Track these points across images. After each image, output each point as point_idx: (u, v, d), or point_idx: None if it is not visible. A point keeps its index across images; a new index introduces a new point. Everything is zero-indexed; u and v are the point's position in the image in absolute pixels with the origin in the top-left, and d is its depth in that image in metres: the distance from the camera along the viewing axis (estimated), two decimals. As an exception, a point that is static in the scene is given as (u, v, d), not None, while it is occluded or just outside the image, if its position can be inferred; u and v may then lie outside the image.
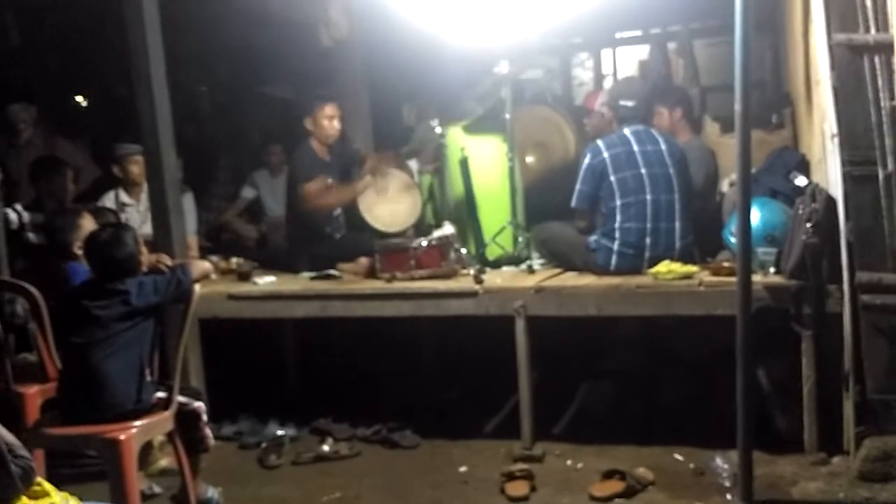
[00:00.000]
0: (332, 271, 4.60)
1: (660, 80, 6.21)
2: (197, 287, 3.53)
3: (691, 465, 3.76)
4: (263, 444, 4.30)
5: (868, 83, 3.42)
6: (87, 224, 4.02)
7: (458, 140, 4.74)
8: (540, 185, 4.93)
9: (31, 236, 4.74)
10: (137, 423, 3.21)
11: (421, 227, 4.82)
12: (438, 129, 4.74)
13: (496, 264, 4.56)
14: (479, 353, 4.64)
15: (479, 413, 4.44)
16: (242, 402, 4.63)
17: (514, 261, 4.57)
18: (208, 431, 3.55)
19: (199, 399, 3.57)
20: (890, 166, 3.38)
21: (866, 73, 3.42)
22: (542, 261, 4.50)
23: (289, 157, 5.53)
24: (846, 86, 3.45)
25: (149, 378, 3.33)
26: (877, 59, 3.40)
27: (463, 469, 3.92)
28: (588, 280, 4.12)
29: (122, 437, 3.13)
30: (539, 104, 5.54)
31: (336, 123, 4.89)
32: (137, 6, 4.16)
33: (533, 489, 3.62)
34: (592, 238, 4.23)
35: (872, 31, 3.39)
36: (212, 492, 3.62)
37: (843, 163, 3.47)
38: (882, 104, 3.39)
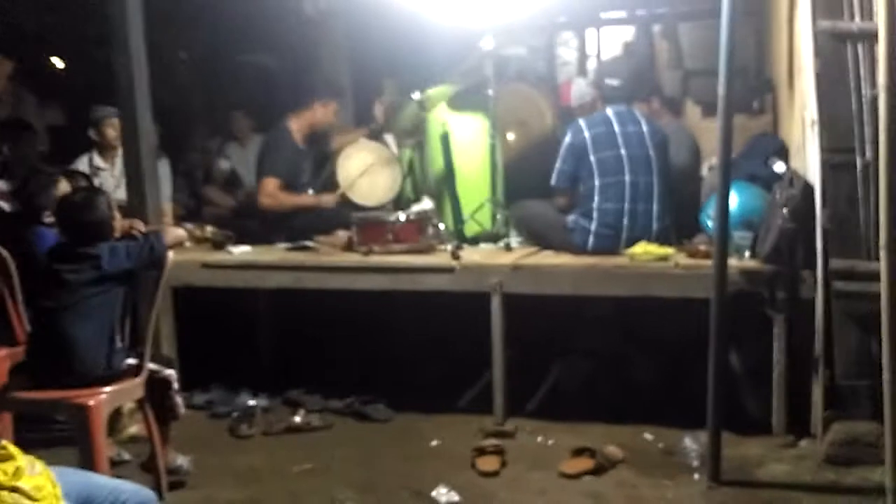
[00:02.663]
0: (308, 242, 4.57)
1: (644, 61, 6.19)
2: (170, 254, 3.49)
3: (661, 445, 3.79)
4: (235, 414, 4.29)
5: (850, 71, 3.43)
6: (63, 189, 3.96)
7: (439, 115, 4.71)
8: (520, 162, 4.92)
9: (3, 204, 4.65)
10: (107, 389, 3.18)
11: (400, 202, 4.80)
12: (419, 101, 4.69)
13: (474, 241, 4.56)
14: (454, 328, 4.63)
15: (452, 388, 4.45)
16: (214, 372, 4.60)
17: (492, 238, 4.57)
18: (179, 400, 3.53)
19: (170, 367, 3.55)
20: (868, 155, 3.40)
21: (849, 61, 3.43)
22: (519, 239, 4.50)
23: (259, 124, 5.49)
24: (829, 73, 3.45)
25: (119, 344, 3.30)
26: (860, 48, 3.41)
27: (434, 443, 3.93)
28: (565, 259, 4.13)
29: (91, 402, 3.10)
30: (522, 82, 5.51)
31: (335, 119, 5.00)
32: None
33: (504, 465, 3.64)
34: (570, 218, 4.24)
35: (857, 18, 3.40)
36: (182, 460, 3.60)
37: (823, 150, 3.48)
38: (863, 93, 3.41)
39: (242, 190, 5.77)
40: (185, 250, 4.43)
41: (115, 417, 3.71)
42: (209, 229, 4.87)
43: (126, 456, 3.76)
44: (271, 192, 4.75)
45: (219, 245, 4.68)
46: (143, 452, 3.60)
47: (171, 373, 3.50)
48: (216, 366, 4.64)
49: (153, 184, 4.34)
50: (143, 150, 4.25)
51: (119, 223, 3.40)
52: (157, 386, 3.41)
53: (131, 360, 3.35)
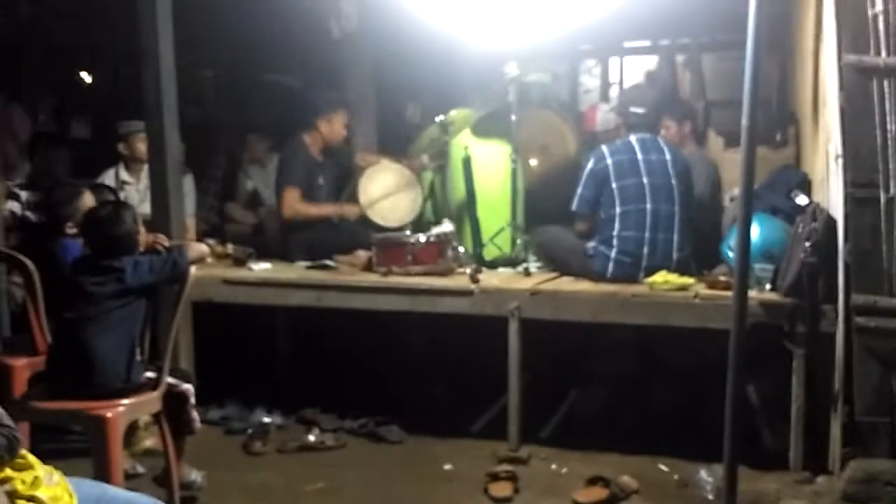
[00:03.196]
0: (328, 261, 4.59)
1: (667, 91, 6.21)
2: (192, 269, 3.51)
3: (676, 477, 3.76)
4: (249, 431, 4.29)
5: (876, 106, 3.43)
6: (87, 201, 4.01)
7: (462, 139, 4.74)
8: (541, 188, 4.93)
9: (30, 215, 4.72)
10: (125, 401, 3.19)
11: (420, 224, 4.82)
12: (442, 123, 4.72)
13: (493, 265, 4.57)
14: (470, 352, 4.63)
15: (466, 412, 4.44)
16: (231, 388, 4.62)
17: (511, 262, 4.57)
18: (195, 414, 3.54)
19: (188, 381, 3.56)
20: (892, 190, 3.39)
21: (874, 96, 3.43)
22: (538, 264, 4.50)
23: (278, 143, 5.55)
24: (854, 107, 3.45)
25: (139, 357, 3.32)
26: (886, 83, 3.41)
27: (447, 467, 3.91)
28: (584, 286, 4.12)
29: (109, 414, 3.12)
30: (544, 108, 5.54)
31: (345, 132, 5.03)
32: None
33: (516, 491, 3.62)
34: (590, 244, 4.23)
35: (883, 53, 3.40)
36: (195, 475, 3.61)
37: (846, 184, 3.47)
38: (889, 127, 3.40)
39: (264, 208, 5.82)
40: (206, 266, 4.45)
41: (131, 430, 3.73)
42: (230, 246, 4.90)
43: (140, 469, 3.78)
44: (292, 203, 4.79)
45: (240, 261, 4.71)
46: (157, 466, 3.61)
47: (188, 387, 3.51)
48: (232, 382, 4.66)
49: (178, 199, 4.39)
50: (168, 165, 4.31)
51: (143, 237, 3.44)
52: (174, 400, 3.43)
53: (150, 374, 3.37)
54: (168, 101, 4.27)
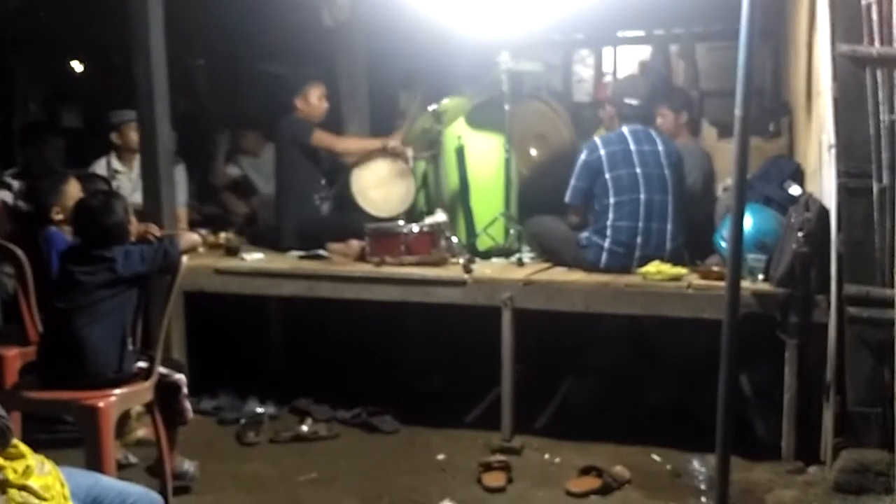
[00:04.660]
0: (320, 251, 4.58)
1: (660, 81, 6.20)
2: (184, 259, 3.50)
3: (668, 467, 3.77)
4: (242, 421, 4.29)
5: (869, 96, 3.42)
6: (72, 190, 3.98)
7: (455, 129, 4.73)
8: (534, 178, 4.92)
9: (21, 204, 4.69)
10: (117, 391, 3.18)
11: (413, 214, 4.81)
12: (435, 112, 4.70)
13: (486, 255, 4.56)
14: (463, 342, 4.63)
15: (460, 402, 4.44)
16: (223, 378, 4.61)
17: (505, 252, 4.56)
18: (187, 404, 3.53)
19: (180, 371, 3.55)
20: (885, 180, 3.39)
21: (868, 86, 3.42)
22: (532, 254, 4.50)
23: (271, 133, 5.53)
24: (847, 97, 3.45)
25: (131, 347, 3.31)
26: (879, 73, 3.40)
27: (441, 457, 3.92)
28: (577, 276, 4.12)
29: (101, 404, 3.11)
30: (537, 98, 5.53)
31: (324, 103, 4.95)
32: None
33: (510, 481, 3.62)
34: (583, 235, 4.23)
35: (877, 43, 3.40)
36: (188, 465, 3.60)
37: (839, 174, 3.47)
38: (881, 118, 3.40)
39: (257, 197, 5.80)
40: (198, 255, 4.44)
41: (123, 420, 3.72)
42: (223, 235, 4.89)
43: (133, 459, 3.77)
44: (329, 139, 4.82)
45: (232, 251, 4.70)
46: (149, 456, 3.60)
47: (180, 377, 3.50)
48: (225, 372, 4.65)
49: (169, 188, 4.37)
50: (160, 154, 4.29)
51: (135, 227, 3.42)
52: (166, 390, 3.42)
53: (142, 364, 3.36)
54: (159, 90, 4.25)
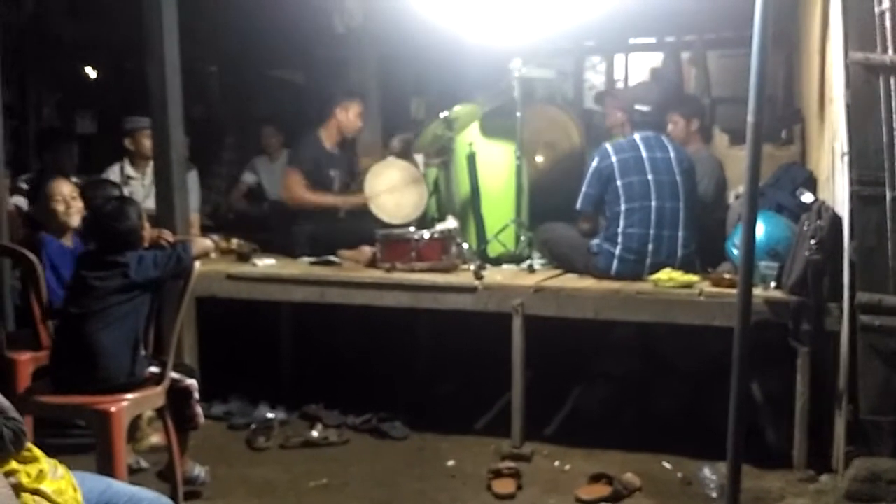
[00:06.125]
0: (331, 257, 4.60)
1: (672, 88, 6.20)
2: (196, 265, 3.52)
3: (679, 475, 3.76)
4: (253, 426, 4.30)
5: (882, 104, 3.41)
6: (59, 190, 3.95)
7: (466, 135, 4.73)
8: (546, 184, 4.92)
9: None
10: (129, 396, 3.20)
11: (424, 220, 4.81)
12: (447, 118, 4.71)
13: (497, 261, 4.56)
14: (474, 349, 4.63)
15: (470, 409, 4.44)
16: (234, 383, 4.62)
17: (516, 259, 4.56)
18: (199, 409, 3.54)
19: (191, 377, 3.56)
20: (898, 188, 3.38)
21: (881, 94, 3.41)
22: (543, 261, 4.50)
23: (287, 139, 5.56)
24: (860, 105, 3.44)
25: (143, 352, 3.33)
26: (892, 80, 3.40)
27: (451, 463, 3.92)
28: (588, 283, 4.11)
29: (113, 409, 3.12)
30: (549, 105, 5.53)
31: (360, 122, 5.03)
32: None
33: (519, 488, 3.62)
34: (595, 241, 4.23)
35: (890, 51, 3.39)
36: (199, 470, 3.61)
37: (852, 182, 3.46)
38: (894, 126, 3.39)
39: (268, 202, 5.82)
40: (210, 261, 4.46)
41: (135, 425, 3.74)
42: (234, 241, 4.91)
43: (144, 464, 3.78)
44: (292, 186, 4.82)
45: (244, 257, 4.71)
46: (160, 461, 3.62)
47: (192, 382, 3.52)
48: (236, 377, 4.66)
49: (182, 194, 4.39)
50: (173, 160, 4.31)
51: (148, 232, 3.44)
52: (177, 395, 3.43)
53: (154, 369, 3.38)
54: (172, 97, 4.27)
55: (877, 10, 3.42)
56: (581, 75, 7.16)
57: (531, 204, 4.74)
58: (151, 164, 4.72)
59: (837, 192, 3.64)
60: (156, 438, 3.86)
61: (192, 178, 5.08)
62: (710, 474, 3.63)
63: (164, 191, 4.34)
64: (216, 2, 5.78)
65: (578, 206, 4.29)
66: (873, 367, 3.44)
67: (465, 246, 4.48)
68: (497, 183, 4.67)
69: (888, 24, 3.39)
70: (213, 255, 4.54)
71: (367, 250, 4.53)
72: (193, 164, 5.16)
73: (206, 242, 4.09)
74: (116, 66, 6.98)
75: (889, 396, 3.40)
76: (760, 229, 3.63)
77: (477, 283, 4.10)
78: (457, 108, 4.60)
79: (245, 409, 4.50)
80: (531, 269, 4.34)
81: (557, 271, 4.34)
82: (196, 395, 3.52)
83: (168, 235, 3.57)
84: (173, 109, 4.28)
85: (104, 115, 6.77)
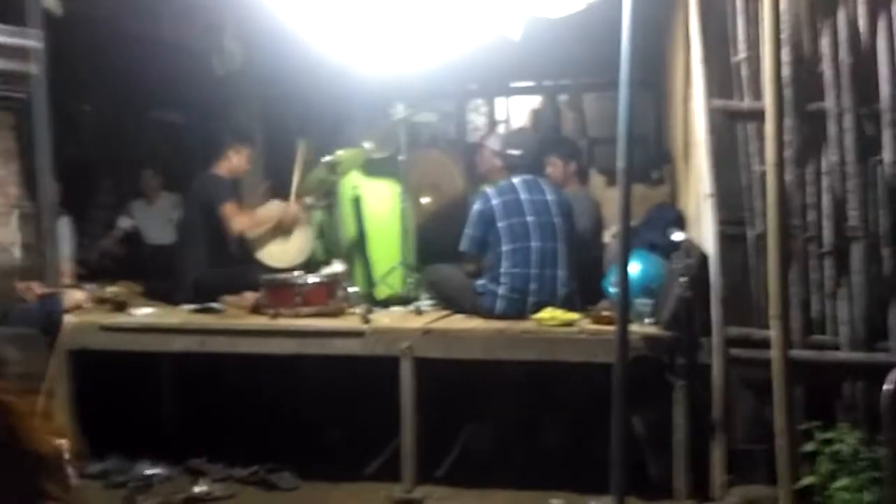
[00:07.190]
0: (214, 304, 4.48)
1: (550, 130, 6.40)
2: (67, 318, 3.36)
3: (568, 510, 3.82)
4: (131, 484, 4.11)
5: (741, 148, 3.63)
6: None
7: (350, 179, 4.74)
8: (431, 227, 4.96)
9: None
10: (-7, 462, 3.00)
11: (310, 264, 4.77)
12: (330, 163, 4.71)
13: (385, 304, 4.56)
14: (363, 393, 4.59)
15: (360, 455, 4.38)
16: (112, 440, 4.40)
17: (403, 301, 4.57)
18: (70, 470, 3.35)
19: (61, 436, 3.37)
20: (759, 227, 3.58)
21: (740, 139, 3.63)
22: (431, 302, 4.52)
23: (167, 182, 5.44)
24: (722, 149, 3.65)
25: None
26: (749, 127, 3.62)
27: (342, 512, 3.85)
28: (475, 323, 4.16)
29: None
30: (433, 147, 5.61)
31: (247, 166, 5.12)
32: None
33: (411, 533, 3.59)
34: (480, 282, 4.29)
35: (747, 98, 3.61)
36: (72, 535, 3.41)
37: (717, 222, 3.65)
38: (753, 168, 3.61)
39: (147, 247, 5.64)
40: (84, 311, 4.27)
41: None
42: (109, 289, 4.72)
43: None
44: (233, 218, 4.77)
45: (120, 306, 4.53)
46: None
47: (62, 443, 3.33)
48: (115, 432, 4.44)
49: (52, 243, 4.19)
50: (42, 209, 4.11)
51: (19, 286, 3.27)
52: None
53: (21, 431, 3.18)
54: (41, 144, 4.08)
55: (733, 59, 3.65)
56: (464, 116, 7.30)
57: (418, 246, 4.77)
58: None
59: (705, 231, 3.83)
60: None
61: (64, 225, 4.87)
62: (597, 507, 3.71)
63: (33, 239, 4.14)
64: (91, 42, 5.60)
65: (462, 247, 4.35)
66: (744, 397, 3.61)
67: (352, 289, 4.46)
68: (383, 226, 4.69)
69: (744, 73, 3.62)
70: (85, 305, 4.35)
71: (249, 296, 4.44)
72: (64, 209, 4.95)
73: (77, 294, 3.91)
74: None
75: (761, 426, 3.57)
76: (635, 268, 3.77)
77: (364, 326, 4.08)
78: (340, 153, 4.61)
79: (123, 465, 4.28)
80: (419, 311, 4.35)
81: (445, 312, 4.37)
82: (66, 456, 3.33)
83: (37, 288, 3.41)
84: (41, 155, 4.10)
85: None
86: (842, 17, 3.55)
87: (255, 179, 5.58)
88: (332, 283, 4.35)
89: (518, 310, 4.17)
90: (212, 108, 6.15)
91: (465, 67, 5.34)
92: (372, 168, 4.80)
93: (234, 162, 4.93)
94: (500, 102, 7.21)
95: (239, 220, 4.81)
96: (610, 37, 3.23)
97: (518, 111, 7.10)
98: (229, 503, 4.00)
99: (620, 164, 3.23)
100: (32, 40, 3.99)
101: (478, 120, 7.35)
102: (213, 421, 4.72)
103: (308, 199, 5.09)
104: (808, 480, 3.40)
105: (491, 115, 7.19)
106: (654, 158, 5.54)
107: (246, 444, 4.44)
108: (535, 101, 6.95)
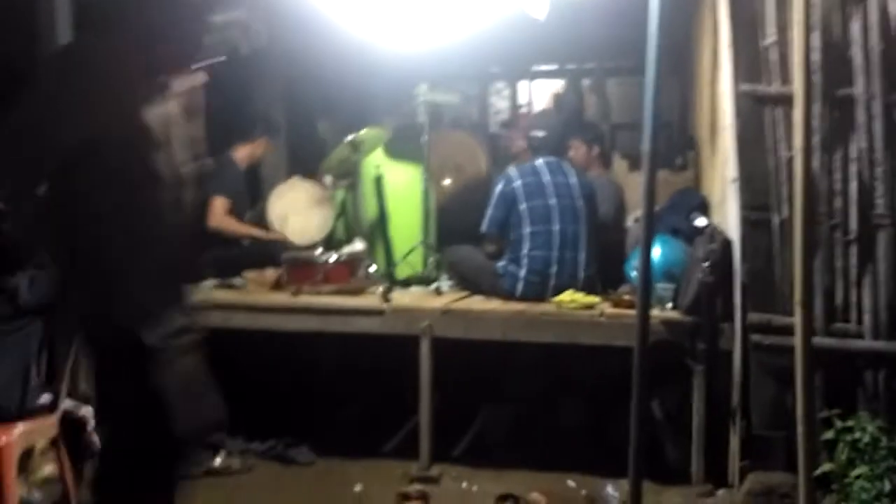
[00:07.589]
0: (235, 280, 4.51)
1: (573, 114, 6.37)
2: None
3: (583, 492, 3.83)
4: (152, 456, 4.15)
5: (768, 133, 3.60)
6: None
7: (373, 158, 4.75)
8: (453, 207, 4.97)
9: None
10: (19, 427, 3.05)
11: (332, 243, 4.79)
12: (353, 142, 4.71)
13: (405, 283, 4.57)
14: (382, 371, 4.61)
15: (378, 432, 4.41)
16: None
17: (424, 281, 4.59)
18: (95, 438, 3.40)
19: (87, 404, 3.43)
20: (784, 213, 3.56)
21: (767, 123, 3.60)
22: (450, 283, 4.53)
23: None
24: (748, 134, 3.62)
25: (35, 381, 3.17)
26: (777, 111, 3.59)
27: (358, 488, 3.87)
28: (494, 305, 4.17)
29: (3, 441, 2.97)
30: (456, 129, 5.60)
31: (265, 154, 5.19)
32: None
33: (427, 510, 3.62)
34: (500, 264, 4.29)
35: (775, 83, 3.58)
36: (94, 502, 3.46)
37: (742, 207, 3.63)
38: (779, 154, 3.58)
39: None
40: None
41: (28, 457, 3.55)
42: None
43: (37, 496, 3.60)
44: (219, 214, 4.75)
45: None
46: (55, 492, 3.45)
47: (88, 410, 3.38)
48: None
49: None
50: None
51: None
52: (72, 424, 3.29)
53: (46, 396, 3.23)
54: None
55: (762, 43, 3.61)
56: (486, 100, 7.29)
57: (439, 226, 4.78)
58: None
59: (729, 216, 3.81)
60: (50, 469, 3.68)
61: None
62: (613, 491, 3.72)
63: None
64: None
65: (484, 228, 4.36)
66: (764, 384, 3.59)
67: (373, 268, 4.47)
68: (404, 205, 4.70)
69: (774, 56, 3.59)
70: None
71: (271, 273, 4.46)
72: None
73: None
74: None
75: (780, 412, 3.55)
76: (657, 252, 3.77)
77: (384, 305, 4.10)
78: (363, 132, 4.61)
79: (144, 438, 4.33)
80: (439, 291, 4.37)
81: (465, 293, 4.38)
82: (92, 424, 3.39)
83: None
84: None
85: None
86: (872, 2, 3.50)
87: (279, 158, 5.59)
88: (354, 261, 4.37)
89: (538, 292, 4.17)
90: (235, 87, 6.16)
91: (488, 49, 5.34)
92: (395, 148, 4.80)
93: (257, 151, 4.97)
94: (522, 86, 7.19)
95: (220, 218, 4.78)
96: (635, 20, 3.21)
97: (541, 95, 7.08)
98: (247, 477, 4.03)
99: (645, 146, 3.21)
100: None
101: (500, 103, 7.33)
102: (232, 396, 4.75)
103: (327, 179, 5.11)
104: (826, 468, 3.38)
105: (513, 98, 7.17)
106: (677, 145, 5.52)
107: (264, 419, 4.47)
108: (558, 84, 6.92)
